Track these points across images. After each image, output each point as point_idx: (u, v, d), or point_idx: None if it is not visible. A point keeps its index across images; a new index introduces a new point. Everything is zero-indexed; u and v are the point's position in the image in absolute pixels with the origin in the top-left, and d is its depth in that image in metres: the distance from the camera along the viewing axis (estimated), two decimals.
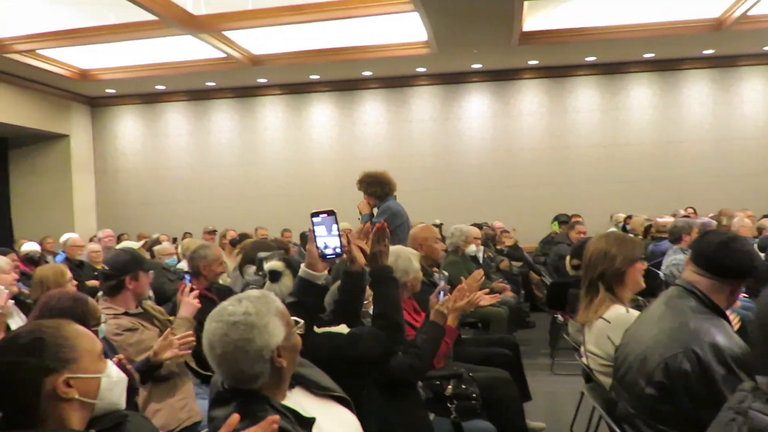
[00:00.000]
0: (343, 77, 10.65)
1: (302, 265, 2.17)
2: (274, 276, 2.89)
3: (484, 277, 3.03)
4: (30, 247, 6.89)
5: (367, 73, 10.43)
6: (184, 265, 6.34)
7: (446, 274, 4.04)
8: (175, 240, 8.76)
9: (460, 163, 10.76)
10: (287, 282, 2.83)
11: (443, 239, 4.86)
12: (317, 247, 2.12)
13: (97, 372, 1.39)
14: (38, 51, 8.74)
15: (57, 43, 8.12)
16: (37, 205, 11.14)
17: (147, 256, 6.14)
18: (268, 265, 2.94)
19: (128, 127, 11.77)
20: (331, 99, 11.10)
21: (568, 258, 4.73)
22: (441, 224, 8.59)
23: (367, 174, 4.84)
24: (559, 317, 4.97)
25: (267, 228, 8.60)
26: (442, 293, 3.08)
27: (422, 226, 4.39)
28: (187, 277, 3.13)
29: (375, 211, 4.67)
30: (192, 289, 3.04)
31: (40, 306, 2.26)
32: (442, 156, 10.85)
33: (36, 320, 1.67)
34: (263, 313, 1.56)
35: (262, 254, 3.23)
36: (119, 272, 2.96)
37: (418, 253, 3.25)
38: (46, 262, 6.89)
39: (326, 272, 2.18)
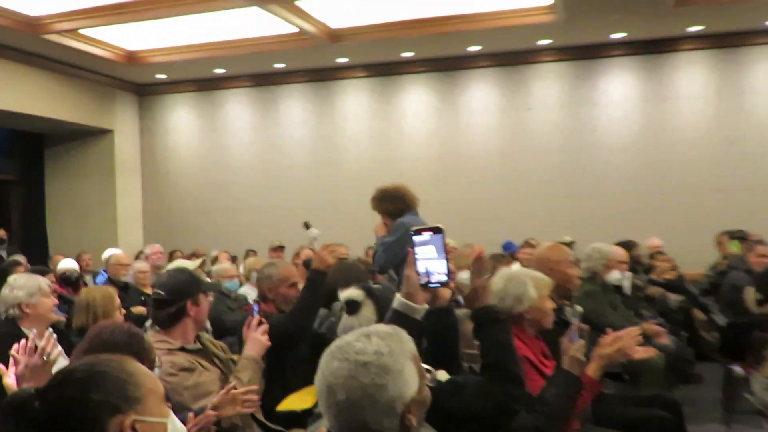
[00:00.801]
0: (443, 54, 10.69)
1: (397, 295, 2.19)
2: (353, 307, 2.93)
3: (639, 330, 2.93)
4: (67, 264, 7.36)
5: (474, 48, 10.40)
6: (247, 291, 6.58)
7: (580, 309, 3.93)
8: (235, 259, 9.07)
9: (595, 162, 10.47)
10: (368, 314, 2.86)
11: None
12: (418, 273, 2.13)
13: (162, 416, 1.44)
14: (79, 30, 9.35)
15: (100, 20, 8.66)
16: (76, 214, 11.94)
17: (204, 278, 6.41)
18: (344, 294, 2.98)
19: (181, 119, 12.39)
20: (428, 81, 11.17)
21: (749, 290, 4.49)
22: (572, 242, 8.39)
23: (378, 189, 5.14)
24: (738, 369, 4.74)
25: (347, 245, 8.71)
26: (575, 335, 3.01)
27: (551, 246, 4.27)
28: (255, 306, 3.24)
29: None
30: (261, 322, 3.13)
31: (91, 338, 2.40)
32: (571, 153, 10.59)
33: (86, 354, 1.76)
34: (398, 354, 1.56)
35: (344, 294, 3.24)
36: (179, 296, 3.09)
37: (547, 279, 3.19)
38: (85, 283, 7.36)
39: (426, 305, 2.18)
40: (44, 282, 3.93)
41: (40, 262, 9.69)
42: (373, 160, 11.42)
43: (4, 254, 9.82)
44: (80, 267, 8.57)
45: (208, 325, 4.74)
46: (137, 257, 9.49)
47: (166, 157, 12.42)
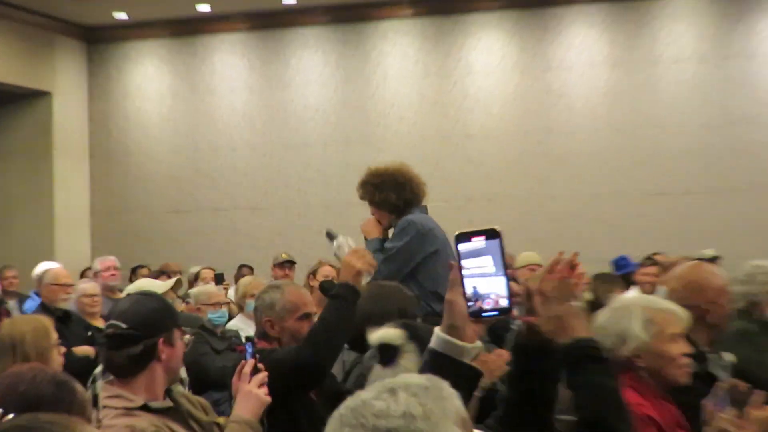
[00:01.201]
0: None
1: (436, 330, 2.20)
2: (388, 354, 2.93)
3: None
4: None
5: None
6: (238, 325, 6.62)
7: (731, 357, 3.89)
8: (222, 278, 9.15)
9: (754, 147, 10.38)
10: (410, 366, 2.84)
11: None
12: (465, 297, 2.14)
13: None
14: None
15: None
16: None
17: (178, 306, 6.46)
18: (377, 335, 2.98)
19: (148, 78, 12.58)
20: (504, 21, 11.21)
21: None
22: (717, 257, 8.31)
23: (372, 171, 5.27)
24: None
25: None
26: (724, 397, 2.98)
27: (693, 264, 4.21)
28: (249, 347, 3.28)
29: (391, 233, 4.98)
30: (257, 369, 3.15)
31: (3, 391, 2.41)
32: (721, 129, 10.51)
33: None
34: (437, 417, 1.55)
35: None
36: (146, 332, 3.11)
37: (679, 311, 3.16)
38: (7, 312, 7.48)
39: (479, 342, 2.19)
40: None
41: None
42: (424, 136, 11.45)
43: None
44: (1, 288, 8.72)
45: (184, 373, 4.78)
46: (83, 275, 9.62)
47: (126, 133, 12.62)
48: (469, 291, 2.12)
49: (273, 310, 3.83)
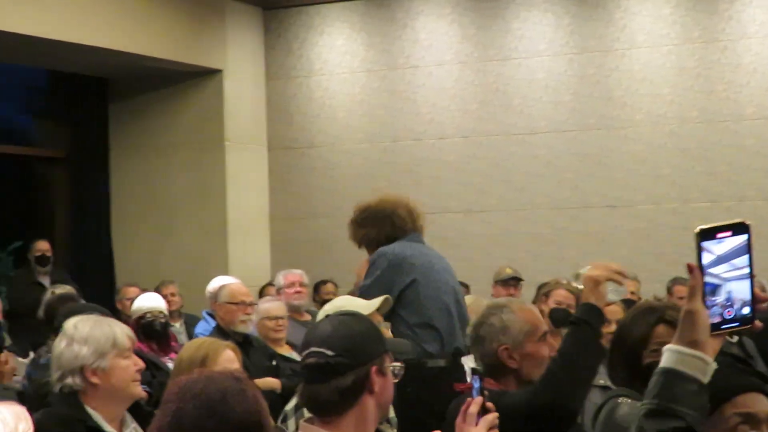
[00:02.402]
0: None
1: (673, 347, 2.27)
2: None
3: None
4: (148, 302, 7.90)
5: None
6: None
7: None
8: None
9: None
10: None
11: None
12: (706, 305, 2.19)
13: None
14: None
15: None
16: (158, 215, 12.70)
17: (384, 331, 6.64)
18: None
19: (336, 50, 12.92)
20: None
21: None
22: None
23: (355, 209, 6.22)
24: None
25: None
26: None
27: None
28: (475, 381, 3.37)
29: None
30: (486, 409, 3.25)
31: (180, 391, 2.68)
32: None
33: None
34: None
35: None
36: (356, 360, 3.24)
37: None
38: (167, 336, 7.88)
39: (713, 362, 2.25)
40: (122, 332, 4.29)
41: (101, 294, 10.48)
42: (684, 119, 11.32)
43: (46, 282, 10.76)
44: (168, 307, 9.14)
45: (392, 411, 4.95)
46: (263, 292, 9.96)
47: (310, 119, 13.00)
48: (720, 298, 2.17)
49: (508, 334, 3.94)
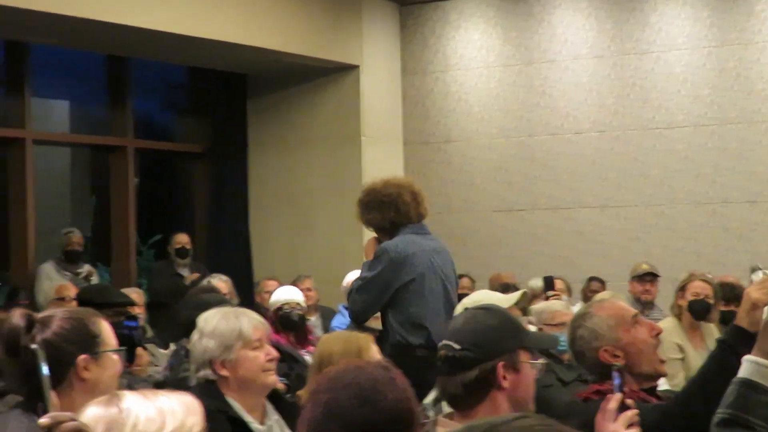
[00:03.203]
0: None
1: (752, 358, 2.24)
2: None
3: None
4: (286, 295, 8.05)
5: None
6: None
7: None
8: (550, 284, 9.16)
9: None
10: None
11: None
12: None
13: None
14: None
15: None
16: (295, 208, 12.87)
17: (525, 324, 6.65)
18: None
19: (472, 44, 12.95)
20: None
21: None
22: None
23: (363, 190, 6.35)
24: None
25: None
26: None
27: None
28: (616, 378, 3.35)
29: None
30: (625, 406, 3.26)
31: (329, 382, 2.74)
32: None
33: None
34: None
35: None
36: (483, 354, 3.29)
37: None
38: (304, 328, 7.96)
39: None
40: (249, 324, 4.38)
41: (239, 287, 10.66)
42: None
43: (185, 272, 11.01)
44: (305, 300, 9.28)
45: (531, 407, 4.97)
46: None
47: (446, 113, 13.06)
48: None
49: (600, 337, 3.94)
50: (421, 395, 4.34)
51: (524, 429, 1.71)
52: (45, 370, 2.40)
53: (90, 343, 3.47)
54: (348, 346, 4.61)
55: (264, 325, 4.48)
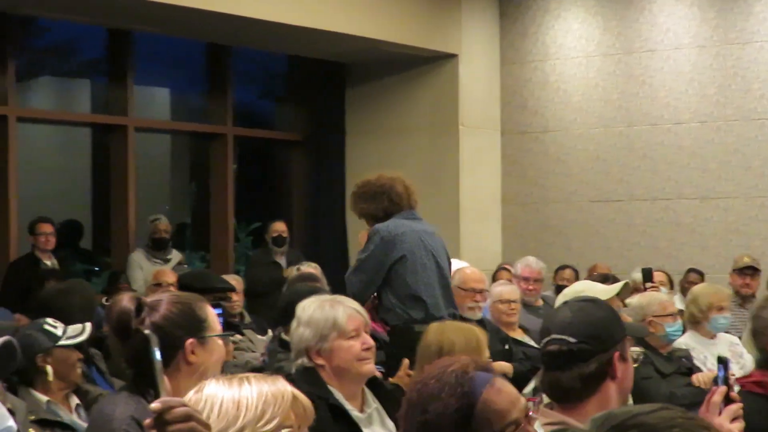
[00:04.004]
0: None
1: None
2: None
3: None
4: None
5: None
6: (690, 342, 6.73)
7: None
8: (648, 275, 9.10)
9: None
10: None
11: None
12: None
13: None
14: None
15: None
16: None
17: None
18: None
19: (572, 34, 12.92)
20: None
21: None
22: None
23: (357, 183, 6.84)
24: None
25: None
26: None
27: None
28: (720, 370, 3.32)
29: None
30: (729, 398, 3.24)
31: (436, 378, 2.76)
32: None
33: None
34: None
35: None
36: (600, 346, 3.26)
37: None
38: None
39: None
40: (344, 313, 4.42)
41: (336, 275, 10.70)
42: None
43: (282, 262, 11.11)
44: None
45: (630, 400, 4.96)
46: (497, 276, 10.07)
47: (544, 103, 13.04)
48: None
49: None
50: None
51: (667, 420, 1.73)
52: (158, 354, 2.42)
53: (197, 327, 3.55)
54: (469, 338, 4.64)
55: (361, 314, 4.51)
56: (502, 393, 2.74)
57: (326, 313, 4.38)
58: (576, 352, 3.23)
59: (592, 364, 3.22)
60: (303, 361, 4.36)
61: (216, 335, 3.61)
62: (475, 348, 4.45)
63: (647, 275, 8.15)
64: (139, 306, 3.53)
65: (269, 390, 2.43)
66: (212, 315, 3.64)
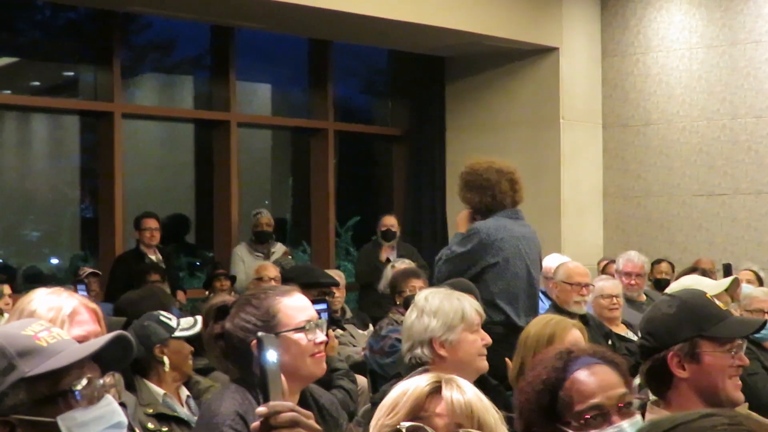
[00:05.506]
0: None
1: None
2: None
3: None
4: None
5: None
6: None
7: None
8: (729, 270, 9.07)
9: None
10: None
11: None
12: None
13: None
14: None
15: None
16: None
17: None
18: None
19: (674, 26, 12.80)
20: None
21: None
22: None
23: (466, 168, 6.68)
24: None
25: None
26: None
27: None
28: None
29: None
30: None
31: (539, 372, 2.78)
32: None
33: None
34: None
35: None
36: (659, 342, 3.28)
37: None
38: None
39: None
40: (470, 307, 4.43)
41: None
42: None
43: (392, 256, 11.14)
44: None
45: None
46: (601, 269, 10.02)
47: (646, 96, 12.95)
48: None
49: None
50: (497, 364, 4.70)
51: (708, 428, 1.72)
52: (271, 357, 2.39)
53: (271, 324, 3.47)
54: (542, 330, 4.53)
55: (480, 310, 4.54)
56: (595, 376, 2.70)
57: (455, 304, 4.39)
58: (640, 349, 3.33)
59: (648, 361, 3.27)
60: (422, 351, 4.35)
61: (286, 331, 3.49)
62: (548, 339, 4.40)
63: (727, 270, 8.10)
64: (224, 308, 3.58)
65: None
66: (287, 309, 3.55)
